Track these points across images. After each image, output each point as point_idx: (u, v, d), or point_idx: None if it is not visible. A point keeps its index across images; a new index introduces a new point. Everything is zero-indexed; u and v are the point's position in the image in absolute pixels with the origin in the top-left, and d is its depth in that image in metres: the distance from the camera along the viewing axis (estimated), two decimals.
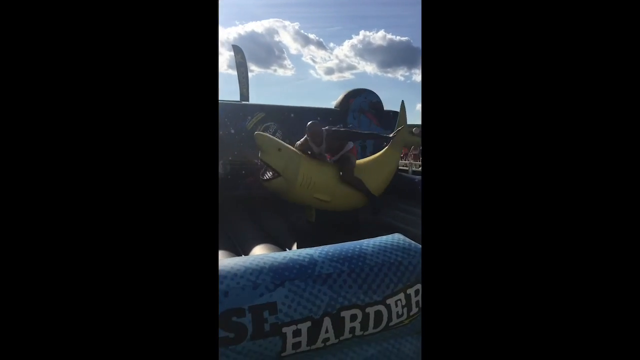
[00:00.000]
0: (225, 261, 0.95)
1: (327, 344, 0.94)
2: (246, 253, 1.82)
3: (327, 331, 0.93)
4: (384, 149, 2.99)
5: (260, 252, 1.72)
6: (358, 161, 2.64)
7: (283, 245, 1.91)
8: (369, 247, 1.08)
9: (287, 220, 2.47)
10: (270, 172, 2.26)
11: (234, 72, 7.81)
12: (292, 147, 2.41)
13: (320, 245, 1.11)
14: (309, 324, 0.91)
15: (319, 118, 3.36)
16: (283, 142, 2.38)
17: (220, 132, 2.95)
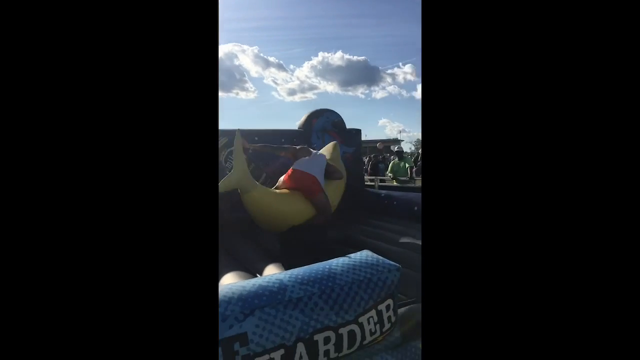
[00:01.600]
0: None
1: None
2: None
3: (301, 357, 0.91)
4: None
5: (230, 280, 1.67)
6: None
7: (253, 272, 1.87)
8: (337, 266, 1.08)
9: (256, 245, 2.43)
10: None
11: None
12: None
13: (291, 267, 1.11)
14: (282, 351, 0.89)
15: (283, 140, 3.39)
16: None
17: None
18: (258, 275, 1.78)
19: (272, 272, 1.74)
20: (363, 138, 4.33)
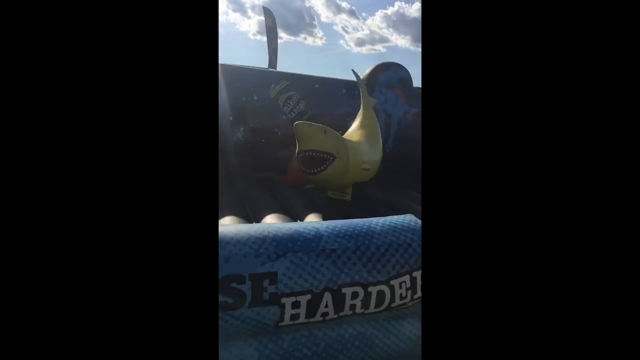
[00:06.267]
0: (230, 227, 0.94)
1: (326, 318, 0.93)
2: (258, 221, 1.82)
3: (326, 306, 0.92)
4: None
5: (270, 221, 1.72)
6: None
7: (296, 218, 1.91)
8: (377, 225, 1.04)
9: (302, 193, 2.46)
10: (318, 167, 1.83)
11: (263, 38, 7.62)
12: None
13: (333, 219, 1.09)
14: (308, 297, 0.90)
15: (344, 90, 3.27)
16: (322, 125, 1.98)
17: (243, 99, 2.92)
18: (299, 221, 1.81)
19: (312, 220, 1.76)
20: None
